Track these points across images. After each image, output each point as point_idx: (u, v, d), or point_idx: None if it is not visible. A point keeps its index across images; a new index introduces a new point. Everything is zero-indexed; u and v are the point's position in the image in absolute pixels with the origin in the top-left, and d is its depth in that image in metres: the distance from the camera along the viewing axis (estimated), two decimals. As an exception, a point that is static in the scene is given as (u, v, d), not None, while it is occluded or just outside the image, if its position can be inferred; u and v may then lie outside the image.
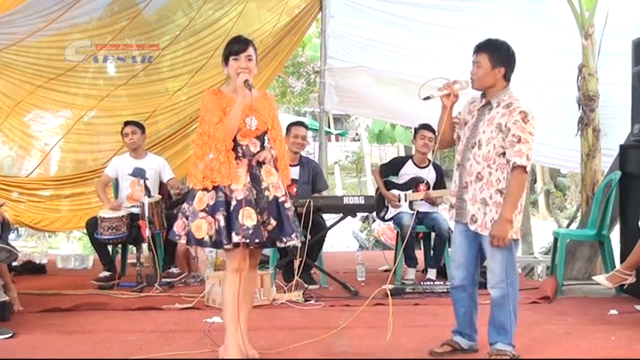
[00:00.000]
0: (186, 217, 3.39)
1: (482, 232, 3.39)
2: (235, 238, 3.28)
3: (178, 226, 3.41)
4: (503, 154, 3.33)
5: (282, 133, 3.63)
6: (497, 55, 3.41)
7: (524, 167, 3.29)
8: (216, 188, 3.33)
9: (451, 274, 3.62)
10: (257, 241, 3.32)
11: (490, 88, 3.44)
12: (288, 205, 3.47)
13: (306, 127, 5.91)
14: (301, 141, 5.75)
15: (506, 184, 3.34)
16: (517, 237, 3.39)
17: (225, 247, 3.31)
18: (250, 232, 3.28)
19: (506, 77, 3.45)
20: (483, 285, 3.60)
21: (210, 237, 3.32)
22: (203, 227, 3.31)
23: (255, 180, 3.40)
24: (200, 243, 3.37)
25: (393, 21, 7.23)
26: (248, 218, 3.30)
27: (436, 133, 3.62)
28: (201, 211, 3.33)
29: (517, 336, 3.53)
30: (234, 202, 3.32)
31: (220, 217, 3.30)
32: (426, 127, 5.96)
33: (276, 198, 3.43)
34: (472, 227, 3.42)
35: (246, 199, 3.32)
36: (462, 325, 3.63)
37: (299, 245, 4.98)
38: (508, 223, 3.30)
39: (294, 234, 3.44)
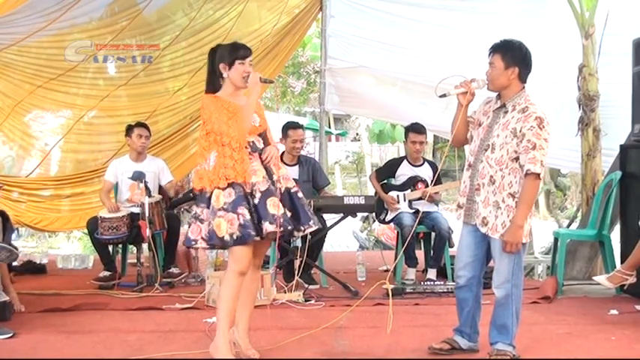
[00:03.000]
0: (201, 221, 3.37)
1: (492, 234, 3.39)
2: (270, 228, 3.31)
3: (193, 232, 3.39)
4: (517, 158, 3.33)
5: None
6: (510, 54, 3.41)
7: (538, 174, 3.29)
8: (230, 185, 3.34)
9: (457, 274, 3.62)
10: (290, 228, 3.38)
11: (505, 88, 3.43)
12: (300, 194, 3.52)
13: (302, 128, 5.92)
14: (299, 145, 5.77)
15: (518, 187, 3.34)
16: (526, 240, 3.40)
17: (255, 239, 3.32)
18: (282, 220, 3.34)
19: (521, 78, 3.44)
20: (486, 285, 3.61)
21: (231, 235, 3.30)
22: (222, 226, 3.30)
23: (267, 173, 3.45)
24: (222, 242, 3.33)
25: (393, 21, 7.24)
26: (276, 207, 3.35)
27: (451, 132, 3.62)
28: (219, 209, 3.32)
29: (517, 336, 3.52)
30: (258, 195, 3.36)
31: (244, 210, 3.31)
32: (415, 129, 5.94)
33: (288, 189, 3.49)
34: (483, 230, 3.41)
35: (269, 189, 3.38)
36: (464, 323, 3.63)
37: (298, 244, 5.01)
38: (520, 229, 3.31)
39: (311, 221, 3.49)
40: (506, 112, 3.42)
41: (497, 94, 3.51)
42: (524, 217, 3.32)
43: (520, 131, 3.31)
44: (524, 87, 3.46)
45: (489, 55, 3.46)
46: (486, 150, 3.41)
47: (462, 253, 3.58)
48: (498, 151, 3.37)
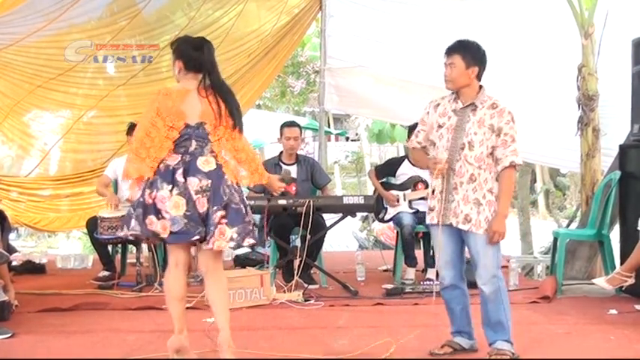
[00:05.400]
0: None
1: (476, 230, 3.41)
2: None
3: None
4: (491, 153, 3.42)
5: None
6: (470, 54, 3.48)
7: (517, 166, 3.43)
8: None
9: (441, 275, 3.63)
10: None
11: (464, 87, 3.48)
12: None
13: (298, 126, 5.91)
14: (295, 142, 5.75)
15: (493, 183, 3.43)
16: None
17: None
18: None
19: (479, 77, 3.51)
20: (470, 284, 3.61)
21: None
22: None
23: None
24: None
25: (393, 21, 7.23)
26: None
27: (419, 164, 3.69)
28: None
29: (517, 336, 3.52)
30: None
31: None
32: None
33: None
34: (465, 227, 3.42)
35: None
36: (461, 323, 3.62)
37: (298, 244, 4.99)
38: (505, 218, 3.42)
39: None
40: (474, 110, 3.46)
41: (453, 94, 3.54)
42: (507, 206, 3.46)
43: (497, 127, 3.41)
44: (482, 85, 3.52)
45: (446, 56, 3.49)
46: (463, 149, 3.44)
47: (441, 253, 3.59)
48: (478, 148, 3.42)
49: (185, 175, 3.26)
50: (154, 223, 3.24)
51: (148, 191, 3.27)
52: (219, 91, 3.40)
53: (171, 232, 3.23)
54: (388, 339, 3.69)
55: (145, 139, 3.30)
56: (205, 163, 3.30)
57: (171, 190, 3.23)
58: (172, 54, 3.50)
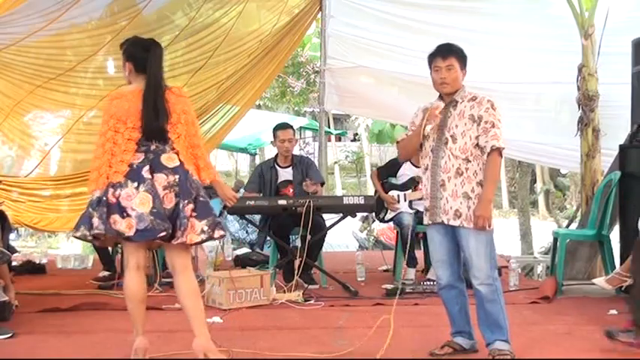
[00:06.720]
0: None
1: (468, 225, 3.40)
2: None
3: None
4: (477, 145, 3.42)
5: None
6: (463, 58, 3.55)
7: (501, 150, 3.40)
8: None
9: (437, 274, 3.63)
10: None
11: (457, 90, 3.52)
12: None
13: (291, 127, 5.91)
14: (289, 144, 5.75)
15: (482, 176, 3.43)
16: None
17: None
18: None
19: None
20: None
21: None
22: None
23: None
24: None
25: (393, 21, 7.23)
26: None
27: (406, 153, 3.75)
28: None
29: (517, 336, 3.53)
30: None
31: None
32: None
33: None
34: (456, 222, 3.42)
35: None
36: (460, 323, 3.62)
37: (298, 244, 4.99)
38: (490, 203, 3.40)
39: None
40: (455, 105, 3.50)
41: (438, 98, 3.56)
42: (492, 192, 3.42)
43: (477, 115, 3.43)
44: (462, 84, 3.57)
45: (443, 58, 3.52)
46: (446, 143, 3.46)
47: (436, 252, 3.59)
48: (461, 140, 3.44)
49: (152, 171, 3.28)
50: (118, 222, 3.24)
51: (111, 190, 3.27)
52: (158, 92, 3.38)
53: (137, 230, 3.22)
54: (387, 316, 3.67)
55: (109, 147, 3.30)
56: (169, 159, 3.33)
57: (137, 188, 3.24)
58: (122, 55, 3.49)
